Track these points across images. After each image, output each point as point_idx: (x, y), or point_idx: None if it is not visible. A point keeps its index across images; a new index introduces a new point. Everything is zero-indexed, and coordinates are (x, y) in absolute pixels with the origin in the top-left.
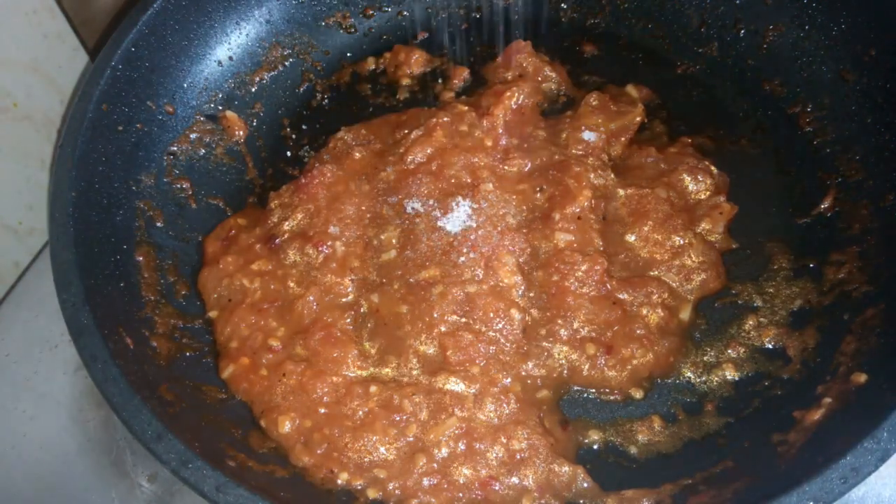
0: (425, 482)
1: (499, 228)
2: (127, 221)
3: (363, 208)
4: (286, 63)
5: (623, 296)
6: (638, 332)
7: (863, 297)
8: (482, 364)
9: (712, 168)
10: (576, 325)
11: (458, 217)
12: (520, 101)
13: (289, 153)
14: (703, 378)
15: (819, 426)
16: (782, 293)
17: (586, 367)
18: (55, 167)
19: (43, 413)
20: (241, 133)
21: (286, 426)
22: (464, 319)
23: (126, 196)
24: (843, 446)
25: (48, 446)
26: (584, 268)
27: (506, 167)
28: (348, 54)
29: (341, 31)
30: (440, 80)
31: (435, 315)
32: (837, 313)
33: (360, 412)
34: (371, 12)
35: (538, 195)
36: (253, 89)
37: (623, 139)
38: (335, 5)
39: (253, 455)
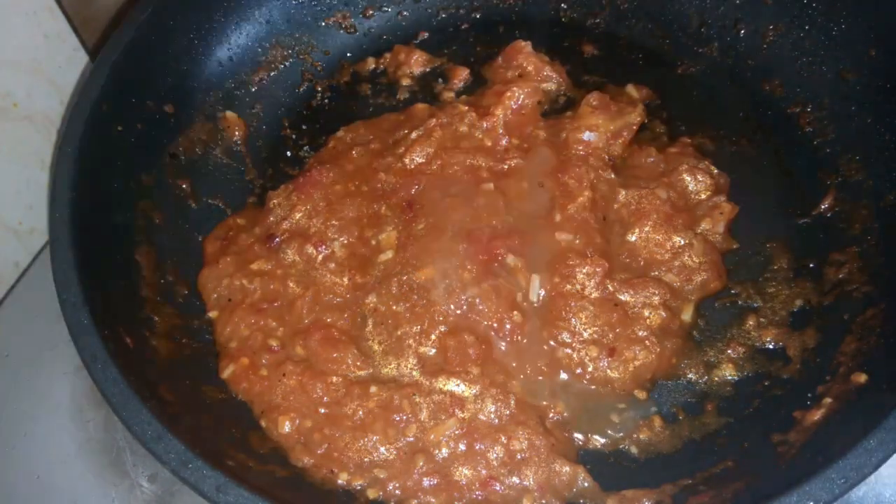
0: (425, 482)
1: (499, 229)
2: (127, 221)
3: (362, 208)
4: (286, 63)
5: (624, 297)
6: (640, 333)
7: (863, 297)
8: (483, 364)
9: (712, 168)
10: (578, 327)
11: (457, 218)
12: (520, 101)
13: (289, 153)
14: (704, 378)
15: (819, 426)
16: (782, 293)
17: (589, 368)
18: (55, 167)
19: (43, 413)
20: (241, 133)
21: (286, 426)
22: (464, 320)
23: (126, 196)
24: (843, 446)
25: (48, 446)
26: (585, 270)
27: (506, 167)
28: (348, 54)
29: (341, 31)
30: (440, 80)
31: (435, 315)
32: (837, 313)
33: (360, 412)
34: (371, 12)
35: (538, 196)
36: (253, 89)
37: (623, 139)
38: (335, 5)
39: (253, 455)
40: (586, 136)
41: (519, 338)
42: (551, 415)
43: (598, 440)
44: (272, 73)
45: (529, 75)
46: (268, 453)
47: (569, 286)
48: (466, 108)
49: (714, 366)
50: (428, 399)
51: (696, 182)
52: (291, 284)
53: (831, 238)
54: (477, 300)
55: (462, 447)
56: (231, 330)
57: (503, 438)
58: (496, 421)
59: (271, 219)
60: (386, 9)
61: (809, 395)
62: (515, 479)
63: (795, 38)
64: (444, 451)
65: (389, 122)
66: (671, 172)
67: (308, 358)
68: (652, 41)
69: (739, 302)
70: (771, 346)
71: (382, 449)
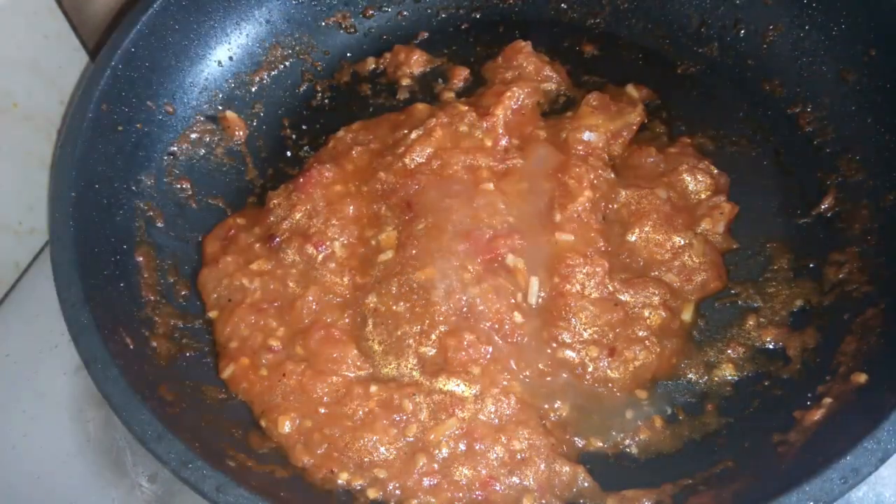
0: (425, 482)
1: (499, 229)
2: (127, 221)
3: (362, 208)
4: (286, 63)
5: (624, 297)
6: (640, 333)
7: (863, 297)
8: (483, 364)
9: (712, 168)
10: (578, 327)
11: (457, 218)
12: (520, 101)
13: (289, 153)
14: (704, 378)
15: (819, 426)
16: (782, 293)
17: (589, 368)
18: (55, 167)
19: (43, 413)
20: (241, 133)
21: (286, 426)
22: (465, 320)
23: (126, 196)
24: (843, 446)
25: (48, 446)
26: (585, 270)
27: (506, 167)
28: (348, 54)
29: (341, 31)
30: (440, 80)
31: (435, 315)
32: (837, 313)
33: (361, 412)
34: (371, 12)
35: (538, 196)
36: (253, 89)
37: (623, 139)
38: (335, 5)
39: (253, 455)
40: (586, 136)
41: (519, 338)
42: (552, 415)
43: (599, 440)
44: (272, 73)
45: (529, 75)
46: (268, 453)
47: (569, 286)
48: (466, 108)
49: (714, 366)
50: (428, 399)
51: (696, 182)
52: (291, 284)
53: (831, 238)
54: (477, 300)
55: (462, 447)
56: (231, 330)
57: (503, 438)
58: (496, 421)
59: (271, 219)
60: (386, 9)
61: (809, 395)
62: (515, 479)
63: (795, 38)
64: (445, 451)
65: (389, 122)
66: (671, 172)
67: (308, 358)
68: (652, 41)
69: (739, 302)
70: (771, 346)
71: (382, 449)
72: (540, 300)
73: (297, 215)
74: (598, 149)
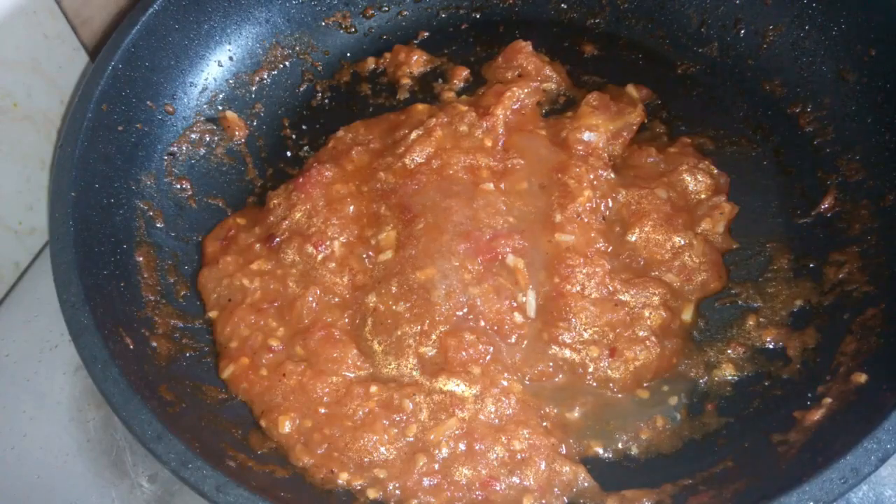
0: (425, 482)
1: (499, 229)
2: (127, 221)
3: (362, 208)
4: (286, 63)
5: (625, 297)
6: (640, 333)
7: (863, 297)
8: (483, 364)
9: (712, 168)
10: (578, 328)
11: (457, 218)
12: (520, 101)
13: (289, 153)
14: (704, 378)
15: (819, 426)
16: (782, 293)
17: (589, 369)
18: (55, 167)
19: (43, 413)
20: (241, 133)
21: (286, 426)
22: (465, 320)
23: (126, 196)
24: (843, 446)
25: (48, 446)
26: (586, 270)
27: (505, 167)
28: (348, 54)
29: (341, 31)
30: (440, 80)
31: (435, 315)
32: (837, 313)
33: (361, 412)
34: (371, 12)
35: (538, 196)
36: (253, 89)
37: (623, 139)
38: (335, 5)
39: (253, 455)
40: (586, 136)
41: (519, 338)
42: (552, 415)
43: (599, 440)
44: (272, 73)
45: (529, 75)
46: (268, 453)
47: (569, 286)
48: (466, 108)
49: (714, 366)
50: (428, 399)
51: (696, 182)
52: (291, 284)
53: (831, 238)
54: (477, 300)
55: (462, 447)
56: (231, 330)
57: (503, 438)
58: (496, 421)
59: (271, 218)
60: (386, 9)
61: (809, 395)
62: (515, 479)
63: (795, 38)
64: (445, 451)
65: (389, 122)
66: (671, 172)
67: (308, 358)
68: (652, 41)
69: (739, 302)
70: (771, 346)
71: (382, 449)
72: (541, 300)
73: (297, 215)
74: (598, 149)
